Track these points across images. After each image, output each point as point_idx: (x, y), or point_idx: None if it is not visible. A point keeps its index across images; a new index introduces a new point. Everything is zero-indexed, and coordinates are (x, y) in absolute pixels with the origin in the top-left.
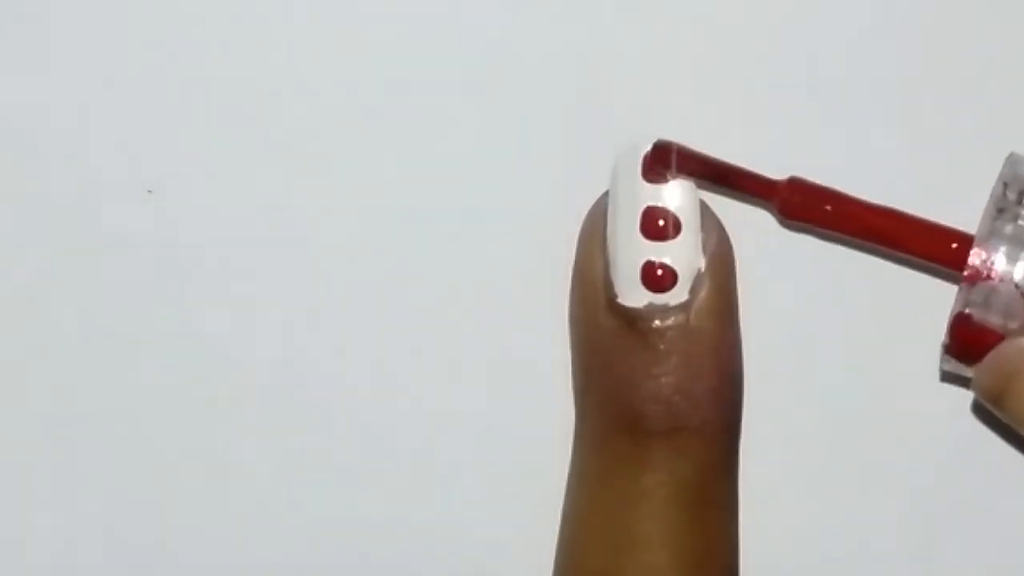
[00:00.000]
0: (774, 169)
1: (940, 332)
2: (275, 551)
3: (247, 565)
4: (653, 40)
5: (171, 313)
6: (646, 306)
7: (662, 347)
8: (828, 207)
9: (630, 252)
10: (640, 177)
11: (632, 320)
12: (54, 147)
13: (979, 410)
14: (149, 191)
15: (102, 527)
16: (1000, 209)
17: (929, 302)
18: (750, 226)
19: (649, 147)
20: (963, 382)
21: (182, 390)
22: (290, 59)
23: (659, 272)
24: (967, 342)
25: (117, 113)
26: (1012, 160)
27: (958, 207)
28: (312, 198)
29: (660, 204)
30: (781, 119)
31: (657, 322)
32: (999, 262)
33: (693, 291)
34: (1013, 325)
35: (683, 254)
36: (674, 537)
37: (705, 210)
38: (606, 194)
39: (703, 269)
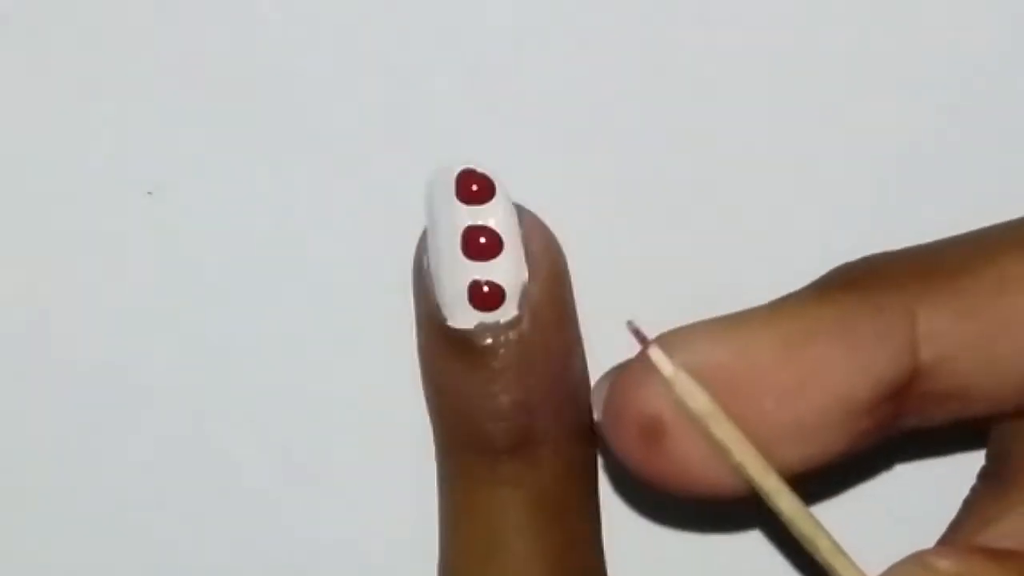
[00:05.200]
0: None
1: None
2: (277, 552)
3: (247, 565)
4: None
5: (171, 315)
6: (476, 326)
7: (497, 365)
8: None
9: (454, 275)
10: (455, 199)
11: (463, 342)
12: (54, 147)
13: None
14: (149, 192)
15: (99, 526)
16: None
17: None
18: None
19: (460, 168)
20: None
21: (182, 391)
22: (291, 59)
23: (486, 291)
24: None
25: (117, 114)
26: None
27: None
28: (313, 199)
29: (479, 223)
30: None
31: (489, 340)
32: None
33: (522, 305)
34: None
35: (508, 270)
36: (544, 548)
37: (527, 215)
38: None
39: (528, 281)
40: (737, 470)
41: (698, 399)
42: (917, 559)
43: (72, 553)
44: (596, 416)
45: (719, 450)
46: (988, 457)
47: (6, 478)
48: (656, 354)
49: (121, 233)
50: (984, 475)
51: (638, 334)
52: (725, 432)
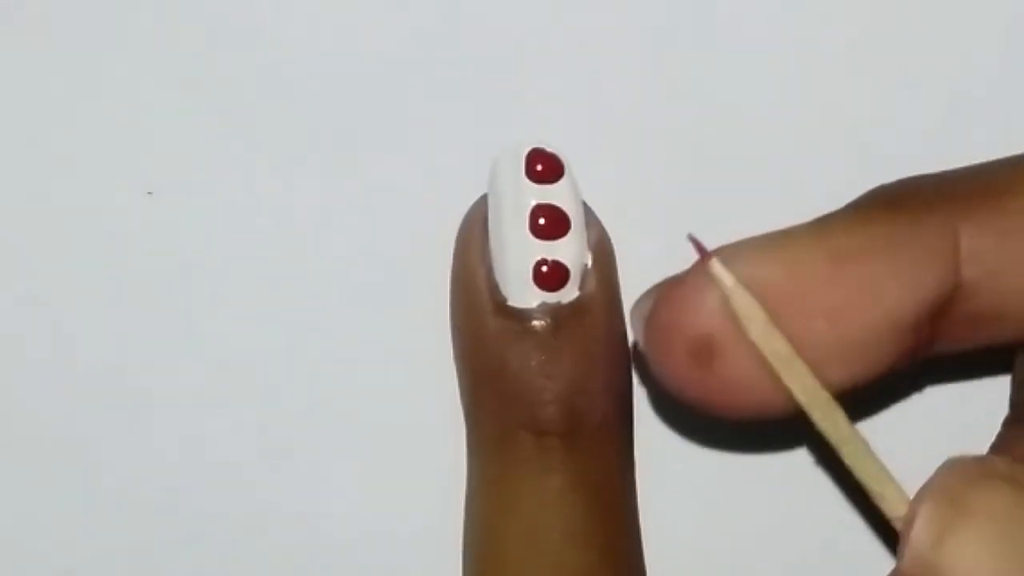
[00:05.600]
0: None
1: None
2: (277, 552)
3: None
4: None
5: (170, 315)
6: (538, 306)
7: (557, 346)
8: None
9: (520, 253)
10: (524, 177)
11: (524, 321)
12: (54, 147)
13: None
14: (149, 192)
15: (100, 526)
16: None
17: None
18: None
19: (529, 147)
20: None
21: (181, 392)
22: (291, 60)
23: (552, 271)
24: None
25: (117, 114)
26: None
27: None
28: (314, 199)
29: (547, 202)
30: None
31: (550, 321)
32: None
33: (582, 287)
34: None
35: (572, 251)
36: (590, 535)
37: (584, 205)
38: (479, 200)
39: (590, 264)
40: (788, 390)
41: (755, 315)
42: (977, 458)
43: (73, 553)
44: (636, 335)
45: (771, 369)
46: (1014, 385)
47: (6, 477)
48: (717, 267)
49: (121, 233)
50: (1012, 407)
51: (698, 246)
52: (779, 350)
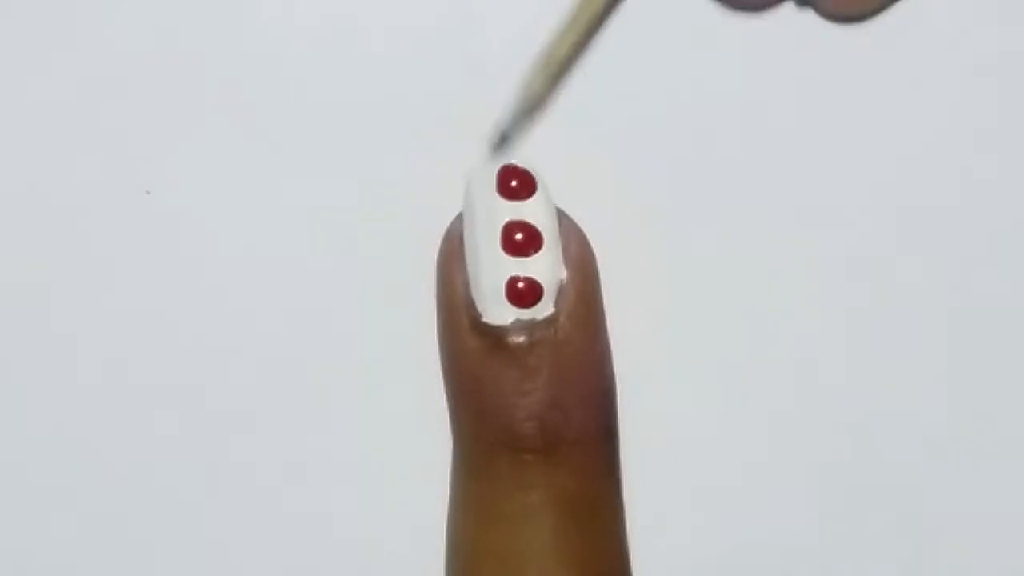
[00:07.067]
0: None
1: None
2: (276, 552)
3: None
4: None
5: (170, 315)
6: (512, 323)
7: (532, 362)
8: None
9: (493, 270)
10: (496, 194)
11: (499, 338)
12: (54, 147)
13: None
14: (148, 192)
15: (100, 526)
16: None
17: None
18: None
19: (501, 163)
20: None
21: (180, 392)
22: (290, 60)
23: (524, 287)
24: None
25: (116, 113)
26: None
27: None
28: (314, 198)
29: (519, 219)
30: None
31: (524, 337)
32: None
33: (558, 303)
34: None
35: (546, 267)
36: (568, 550)
37: (563, 216)
38: (459, 216)
39: (565, 279)
40: None
41: None
42: None
43: (74, 553)
44: None
45: None
46: None
47: (6, 477)
48: None
49: (121, 233)
50: None
51: None
52: None
